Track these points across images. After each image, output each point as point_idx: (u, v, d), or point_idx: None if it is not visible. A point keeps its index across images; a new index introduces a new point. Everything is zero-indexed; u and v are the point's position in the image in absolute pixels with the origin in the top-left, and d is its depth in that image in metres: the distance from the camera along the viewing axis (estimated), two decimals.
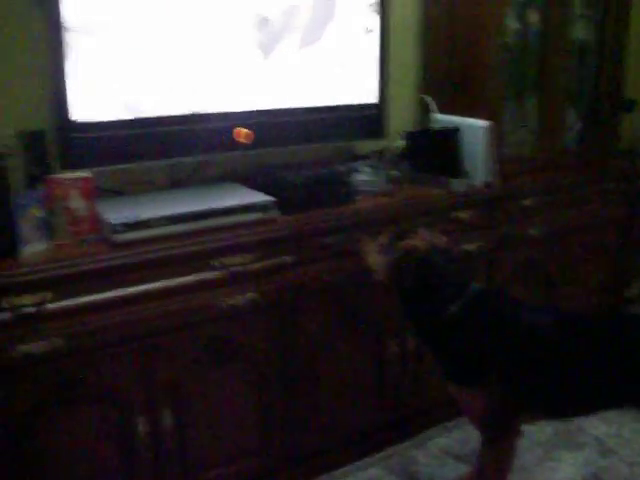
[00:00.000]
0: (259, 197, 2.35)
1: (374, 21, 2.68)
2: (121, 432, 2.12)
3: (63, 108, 2.13)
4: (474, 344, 2.09)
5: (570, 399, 2.12)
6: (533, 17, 3.05)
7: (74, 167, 2.16)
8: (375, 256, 2.25)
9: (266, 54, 2.46)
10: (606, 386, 2.06)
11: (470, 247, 2.77)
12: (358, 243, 2.33)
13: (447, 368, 2.19)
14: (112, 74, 2.18)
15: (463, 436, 2.82)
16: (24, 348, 1.90)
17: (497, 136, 2.83)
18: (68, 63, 2.09)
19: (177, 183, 2.54)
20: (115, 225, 2.05)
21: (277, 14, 2.45)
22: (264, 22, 2.43)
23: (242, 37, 2.40)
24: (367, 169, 2.77)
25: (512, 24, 2.98)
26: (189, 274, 2.15)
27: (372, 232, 2.34)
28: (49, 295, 1.93)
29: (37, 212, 2.02)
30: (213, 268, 2.18)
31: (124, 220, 2.07)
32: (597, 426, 2.97)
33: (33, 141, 2.18)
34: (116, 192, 2.41)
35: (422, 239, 2.18)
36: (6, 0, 2.20)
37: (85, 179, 2.10)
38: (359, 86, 2.73)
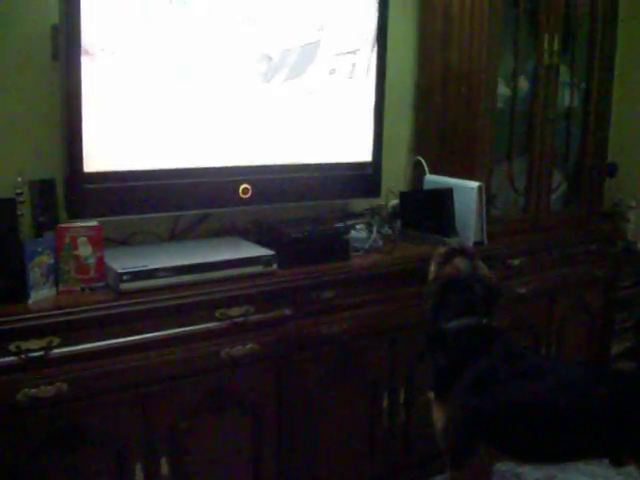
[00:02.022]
0: (260, 251, 2.43)
1: (370, 83, 2.81)
2: (119, 478, 2.14)
3: (75, 159, 2.19)
4: (450, 363, 2.24)
5: (529, 445, 2.22)
6: (523, 84, 3.19)
7: (81, 216, 2.22)
8: (434, 268, 2.38)
9: (269, 115, 2.57)
10: (572, 438, 2.15)
11: None
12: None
13: (432, 375, 2.32)
14: (120, 127, 2.26)
15: None
16: (30, 392, 1.93)
17: (487, 197, 2.94)
18: (83, 116, 2.17)
19: (180, 235, 2.61)
20: (122, 274, 2.11)
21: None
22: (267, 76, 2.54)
23: (245, 97, 2.50)
24: (362, 227, 2.85)
25: (502, 90, 3.11)
26: (192, 324, 2.20)
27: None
28: (56, 340, 1.97)
29: (46, 259, 2.08)
30: (215, 318, 2.24)
31: (131, 269, 2.13)
32: None
33: (43, 189, 2.25)
34: (120, 242, 2.47)
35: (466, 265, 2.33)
36: (24, 52, 2.30)
37: (94, 227, 2.15)
38: (355, 147, 2.83)
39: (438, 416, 2.26)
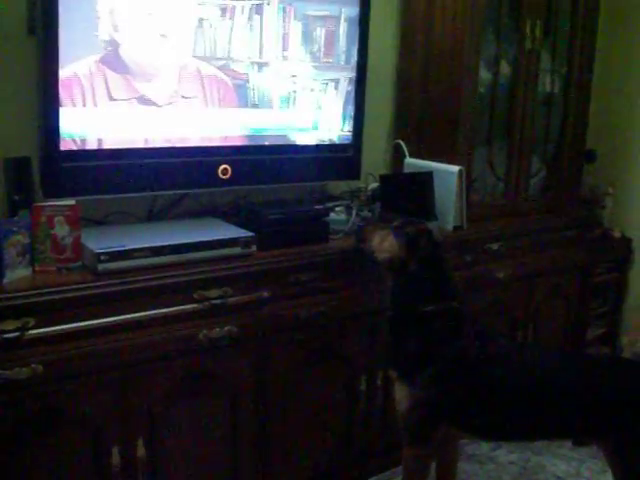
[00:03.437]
0: (238, 232, 2.40)
1: (353, 66, 2.78)
2: (95, 461, 2.12)
3: (51, 136, 2.15)
4: (422, 345, 2.24)
5: (494, 425, 2.25)
6: (504, 68, 3.18)
7: (57, 195, 2.18)
8: (381, 238, 2.35)
9: (252, 95, 2.54)
10: (536, 419, 2.19)
11: None
12: (362, 231, 2.48)
13: (394, 355, 2.33)
14: (99, 104, 2.23)
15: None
16: (4, 373, 1.90)
17: (467, 181, 2.93)
18: (60, 92, 2.13)
19: (158, 216, 2.58)
20: (99, 254, 2.07)
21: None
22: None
23: (224, 73, 2.48)
24: (341, 209, 2.84)
25: (484, 74, 3.10)
26: (169, 305, 2.18)
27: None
28: (31, 321, 1.94)
29: (22, 238, 2.04)
30: (193, 300, 2.22)
31: (108, 249, 2.09)
32: (557, 464, 3.05)
33: (18, 167, 2.20)
34: (97, 222, 2.43)
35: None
36: None
37: (71, 207, 2.12)
38: (335, 129, 2.81)
39: (403, 396, 2.26)
